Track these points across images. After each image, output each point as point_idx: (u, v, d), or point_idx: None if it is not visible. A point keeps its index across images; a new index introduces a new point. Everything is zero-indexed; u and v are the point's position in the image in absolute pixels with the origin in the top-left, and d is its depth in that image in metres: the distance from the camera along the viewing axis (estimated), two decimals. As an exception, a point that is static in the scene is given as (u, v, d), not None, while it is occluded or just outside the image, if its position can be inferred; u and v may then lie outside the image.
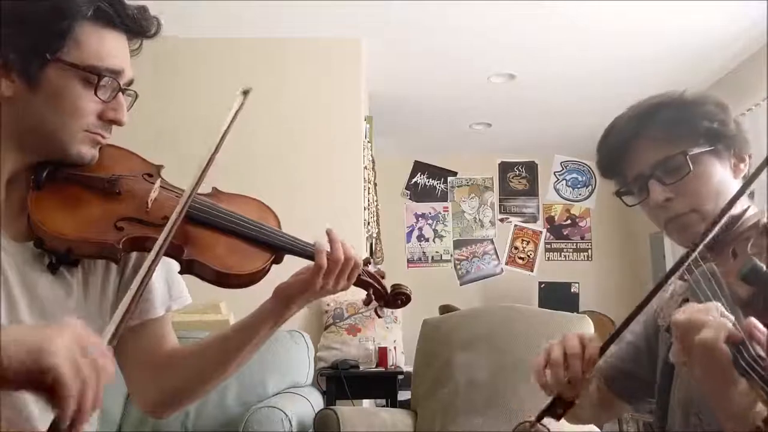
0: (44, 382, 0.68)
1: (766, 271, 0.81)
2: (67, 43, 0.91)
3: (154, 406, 1.12)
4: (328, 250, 1.04)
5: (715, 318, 0.79)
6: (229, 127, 0.98)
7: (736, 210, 1.08)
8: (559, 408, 1.07)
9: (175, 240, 0.89)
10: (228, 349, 1.08)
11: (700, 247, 0.93)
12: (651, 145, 1.12)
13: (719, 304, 0.81)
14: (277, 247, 1.04)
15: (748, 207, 1.11)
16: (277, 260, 1.04)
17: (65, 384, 0.67)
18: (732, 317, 0.78)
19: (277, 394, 2.87)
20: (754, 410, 0.67)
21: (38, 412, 0.93)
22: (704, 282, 0.91)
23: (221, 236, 1.01)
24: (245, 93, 1.02)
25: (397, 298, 1.13)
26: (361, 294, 1.13)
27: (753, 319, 0.76)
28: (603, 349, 1.05)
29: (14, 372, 0.67)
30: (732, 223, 1.07)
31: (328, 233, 1.05)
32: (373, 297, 1.12)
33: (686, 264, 0.93)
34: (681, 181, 1.09)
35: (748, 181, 1.00)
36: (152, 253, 0.86)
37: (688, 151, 1.09)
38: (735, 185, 1.12)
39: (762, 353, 0.69)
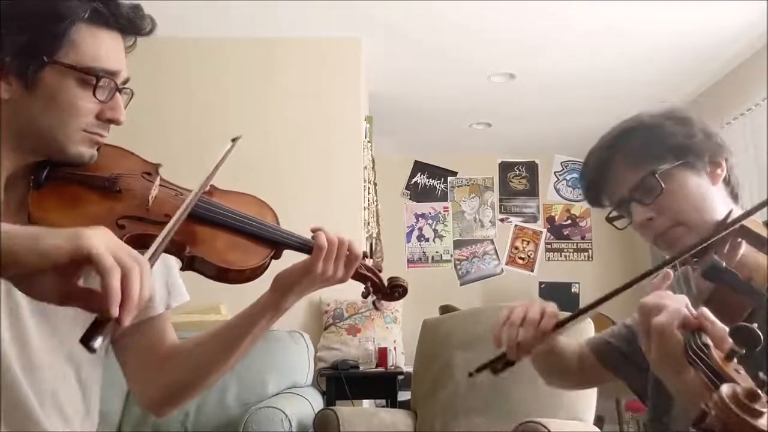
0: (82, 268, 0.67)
1: (725, 268, 0.85)
2: (64, 44, 0.91)
3: (156, 403, 1.12)
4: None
5: (673, 303, 0.82)
6: (217, 166, 1.02)
7: (718, 215, 1.13)
8: (499, 365, 1.14)
9: (177, 237, 0.90)
10: (227, 342, 1.08)
11: (679, 258, 0.98)
12: (624, 171, 1.18)
13: (686, 297, 0.84)
14: (277, 243, 1.05)
15: (731, 211, 1.13)
16: (277, 255, 1.05)
17: (106, 266, 0.66)
18: (694, 311, 0.81)
19: (277, 395, 2.87)
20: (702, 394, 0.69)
21: (40, 410, 0.93)
22: (676, 284, 0.94)
23: (221, 232, 1.02)
24: (234, 141, 1.06)
25: (395, 290, 1.13)
26: (360, 294, 1.14)
27: (704, 309, 0.79)
28: (558, 326, 1.13)
29: (54, 259, 0.67)
30: (718, 230, 1.08)
31: (313, 230, 1.05)
32: (371, 290, 1.12)
33: (661, 269, 0.98)
34: (657, 199, 1.14)
35: (743, 215, 1.02)
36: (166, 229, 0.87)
37: (656, 170, 1.13)
38: (714, 191, 1.16)
39: (709, 342, 0.71)
